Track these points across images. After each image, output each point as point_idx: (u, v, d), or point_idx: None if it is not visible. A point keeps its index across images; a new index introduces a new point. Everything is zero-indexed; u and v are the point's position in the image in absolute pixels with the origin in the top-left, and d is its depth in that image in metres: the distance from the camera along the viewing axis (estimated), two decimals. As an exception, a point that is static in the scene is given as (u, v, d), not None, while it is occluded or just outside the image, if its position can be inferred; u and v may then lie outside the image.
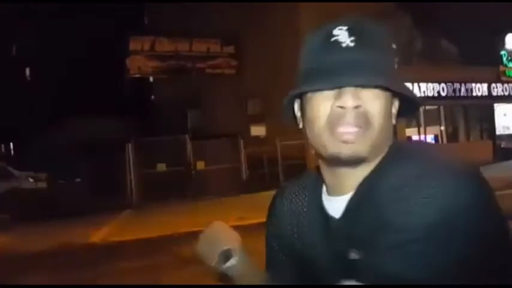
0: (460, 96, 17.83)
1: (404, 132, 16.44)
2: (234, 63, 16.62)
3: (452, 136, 18.91)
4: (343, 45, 0.74)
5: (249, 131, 16.37)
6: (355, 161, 0.76)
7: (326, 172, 0.83)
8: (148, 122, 22.41)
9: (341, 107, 0.73)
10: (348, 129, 0.74)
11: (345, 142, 0.74)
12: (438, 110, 18.45)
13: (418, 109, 0.85)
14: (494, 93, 18.74)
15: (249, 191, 12.12)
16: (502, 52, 18.88)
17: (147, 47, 15.71)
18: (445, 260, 0.69)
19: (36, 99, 24.29)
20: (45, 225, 9.41)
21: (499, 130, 19.88)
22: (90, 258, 6.47)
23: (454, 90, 17.62)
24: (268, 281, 0.94)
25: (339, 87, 0.74)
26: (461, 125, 19.33)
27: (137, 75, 16.54)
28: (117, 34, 16.24)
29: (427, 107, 17.70)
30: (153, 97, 25.89)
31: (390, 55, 0.79)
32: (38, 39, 25.32)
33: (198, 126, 18.74)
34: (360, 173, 0.79)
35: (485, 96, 18.53)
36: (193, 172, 13.04)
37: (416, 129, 17.53)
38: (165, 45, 15.88)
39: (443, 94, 17.39)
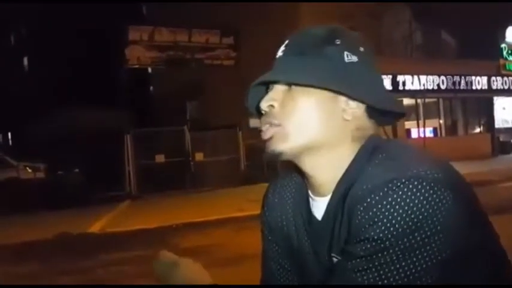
0: (459, 90, 17.83)
1: (404, 125, 16.46)
2: (233, 54, 16.54)
3: (451, 129, 18.94)
4: (277, 56, 0.85)
5: (247, 122, 16.36)
6: (275, 155, 0.82)
7: (300, 172, 0.88)
8: (147, 113, 22.37)
9: (263, 110, 0.84)
10: (265, 127, 0.83)
11: (266, 141, 0.83)
12: (438, 102, 18.45)
13: (374, 105, 0.81)
14: (494, 87, 18.74)
15: (247, 182, 12.13)
16: (502, 45, 18.84)
17: (145, 37, 15.61)
18: (417, 268, 0.68)
19: (34, 89, 24.21)
20: (43, 215, 9.43)
21: (498, 123, 19.91)
22: (89, 248, 6.49)
23: (454, 83, 17.61)
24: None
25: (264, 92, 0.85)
26: (460, 118, 19.35)
27: (136, 66, 16.47)
28: (115, 24, 16.14)
29: (427, 100, 17.70)
30: (151, 88, 25.82)
31: (323, 54, 0.80)
32: (35, 29, 25.19)
33: (197, 117, 18.71)
34: (325, 171, 0.82)
35: (485, 89, 18.54)
36: (192, 163, 13.05)
37: (415, 122, 17.55)
38: (164, 36, 15.78)
39: (442, 87, 17.38)
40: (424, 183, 0.69)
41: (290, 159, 0.83)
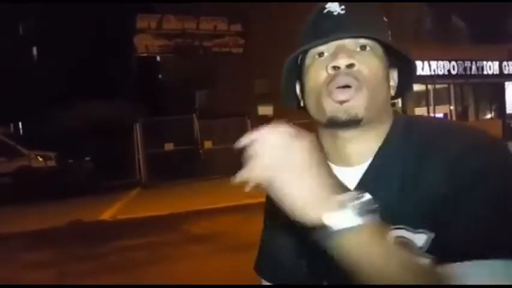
0: (470, 75, 17.60)
1: (414, 112, 16.32)
2: (241, 41, 16.46)
3: (462, 115, 18.75)
4: (335, 13, 0.79)
5: (256, 110, 16.33)
6: (352, 122, 0.76)
7: (327, 140, 0.83)
8: (156, 101, 22.40)
9: (335, 67, 0.76)
10: (342, 89, 0.75)
11: (341, 102, 0.75)
12: (448, 88, 18.25)
13: (413, 77, 0.86)
14: (506, 72, 18.46)
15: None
16: (514, 29, 18.52)
17: (153, 25, 15.58)
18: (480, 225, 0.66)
19: (43, 79, 24.33)
20: (55, 203, 9.55)
21: (510, 109, 19.66)
22: (101, 235, 6.57)
23: (465, 69, 17.38)
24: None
25: (334, 51, 0.77)
26: (471, 104, 19.14)
27: (144, 54, 16.46)
28: (123, 12, 16.12)
29: (437, 86, 17.51)
30: (160, 76, 25.82)
31: (381, 22, 0.83)
32: (43, 19, 25.23)
33: (206, 105, 18.71)
34: (364, 140, 0.80)
35: (496, 74, 18.27)
36: (201, 151, 13.09)
37: (425, 108, 17.39)
38: (172, 23, 15.74)
39: (453, 72, 17.16)
40: (477, 141, 0.72)
41: (354, 129, 0.78)
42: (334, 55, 0.77)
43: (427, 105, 17.41)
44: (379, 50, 0.79)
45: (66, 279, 4.65)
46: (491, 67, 18.00)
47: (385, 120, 0.81)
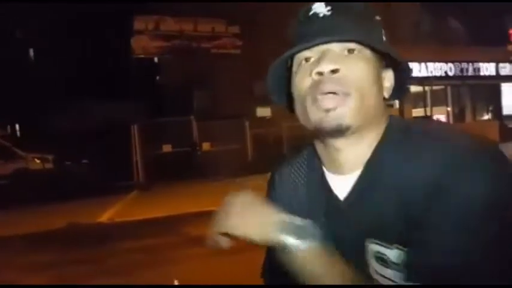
0: (467, 76, 17.65)
1: (411, 113, 16.35)
2: (239, 43, 16.49)
3: (459, 116, 18.80)
4: (321, 15, 0.76)
5: (254, 112, 16.34)
6: (339, 131, 0.74)
7: (320, 147, 0.82)
8: (154, 102, 22.37)
9: (319, 73, 0.73)
10: (327, 96, 0.73)
11: (327, 110, 0.73)
12: (445, 89, 18.29)
13: (409, 79, 0.82)
14: (502, 73, 18.52)
15: (254, 171, 12.15)
16: (511, 31, 18.58)
17: (151, 26, 15.59)
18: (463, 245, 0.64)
19: (40, 81, 24.28)
20: (52, 205, 9.52)
21: (506, 110, 19.72)
22: (99, 238, 6.55)
23: (462, 70, 17.43)
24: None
25: (319, 56, 0.75)
26: (468, 105, 19.19)
27: (142, 56, 16.47)
28: (121, 13, 16.11)
29: (434, 87, 17.55)
30: (158, 78, 25.78)
31: (370, 23, 0.78)
32: (40, 20, 25.19)
33: (204, 107, 18.71)
34: (355, 148, 0.77)
35: (493, 76, 18.33)
36: (199, 153, 13.07)
37: (422, 109, 17.43)
38: (169, 25, 15.77)
39: (450, 74, 17.22)
40: (493, 160, 0.67)
41: (344, 138, 0.75)
42: (319, 60, 0.74)
43: (424, 106, 17.45)
44: (368, 52, 0.75)
45: (63, 281, 4.64)
46: (487, 68, 18.06)
47: (377, 125, 0.77)
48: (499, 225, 0.64)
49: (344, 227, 0.78)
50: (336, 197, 0.80)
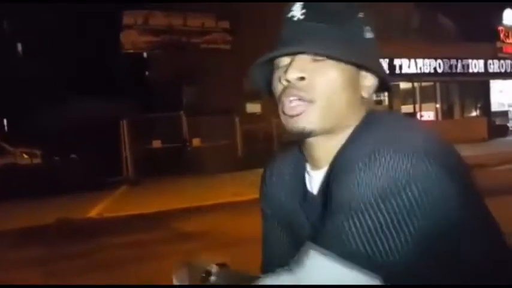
0: (456, 73, 17.80)
1: (400, 109, 16.46)
2: (229, 38, 16.44)
3: (448, 113, 18.97)
4: (295, 19, 0.77)
5: (244, 108, 16.33)
6: (303, 136, 0.77)
7: (301, 145, 0.85)
8: (143, 98, 22.26)
9: (287, 81, 0.76)
10: (292, 103, 0.76)
11: (291, 116, 0.76)
12: (434, 86, 18.44)
13: (387, 82, 0.82)
14: (491, 70, 18.71)
15: (244, 167, 12.16)
16: (499, 28, 18.76)
17: (140, 21, 15.48)
18: (394, 237, 0.66)
19: (28, 76, 24.02)
20: (41, 201, 9.45)
21: (495, 107, 19.94)
22: (88, 233, 6.53)
23: (451, 67, 17.58)
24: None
25: (288, 62, 0.77)
26: (457, 102, 19.37)
27: (131, 51, 16.35)
28: (109, 8, 15.97)
29: (423, 84, 17.68)
30: (147, 73, 25.64)
31: (349, 23, 0.77)
32: (28, 15, 24.88)
33: (194, 102, 18.65)
34: (329, 145, 0.79)
35: (482, 72, 18.51)
36: (188, 149, 13.05)
37: (411, 106, 17.56)
38: (158, 20, 15.66)
39: (439, 70, 17.35)
40: (412, 154, 0.67)
41: (313, 137, 0.78)
42: (287, 67, 0.76)
43: (414, 102, 17.58)
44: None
45: (53, 277, 4.61)
46: (476, 65, 18.23)
47: (347, 126, 0.78)
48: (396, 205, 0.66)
49: (317, 220, 0.80)
50: (310, 191, 0.85)
